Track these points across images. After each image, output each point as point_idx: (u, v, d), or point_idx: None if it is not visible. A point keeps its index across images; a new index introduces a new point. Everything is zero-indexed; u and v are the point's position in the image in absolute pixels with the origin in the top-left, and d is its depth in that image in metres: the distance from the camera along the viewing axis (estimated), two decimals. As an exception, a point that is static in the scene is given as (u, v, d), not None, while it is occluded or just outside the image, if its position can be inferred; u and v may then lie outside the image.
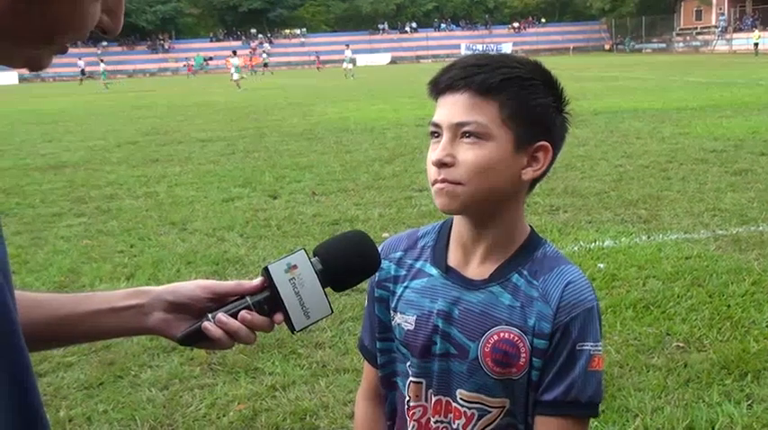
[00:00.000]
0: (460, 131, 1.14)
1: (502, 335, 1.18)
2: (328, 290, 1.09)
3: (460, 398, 1.22)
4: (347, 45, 46.24)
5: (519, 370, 1.18)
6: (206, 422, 3.27)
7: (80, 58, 50.33)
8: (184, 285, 1.08)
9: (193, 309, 1.07)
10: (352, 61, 41.99)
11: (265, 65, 53.84)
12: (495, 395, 1.20)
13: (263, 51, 59.76)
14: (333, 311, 1.10)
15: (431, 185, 1.18)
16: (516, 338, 1.17)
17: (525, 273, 1.20)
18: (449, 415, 1.23)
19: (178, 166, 10.37)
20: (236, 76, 32.92)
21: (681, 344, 3.78)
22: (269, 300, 1.05)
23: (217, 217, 7.10)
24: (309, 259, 1.06)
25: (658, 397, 3.27)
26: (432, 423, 1.25)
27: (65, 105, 25.57)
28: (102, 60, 48.46)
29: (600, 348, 1.18)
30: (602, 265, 5.01)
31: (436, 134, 1.18)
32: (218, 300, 1.07)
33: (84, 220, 7.22)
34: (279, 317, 1.05)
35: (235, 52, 40.73)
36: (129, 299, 1.06)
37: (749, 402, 3.20)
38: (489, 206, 1.18)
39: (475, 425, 1.22)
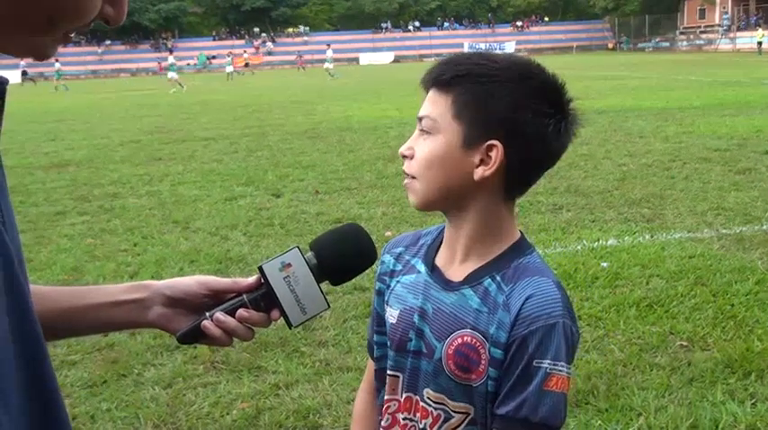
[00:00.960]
0: (420, 126, 1.18)
1: (465, 338, 1.15)
2: (327, 285, 1.10)
3: (427, 398, 1.21)
4: (328, 45, 46.27)
5: (478, 376, 1.14)
6: (209, 420, 3.27)
7: (21, 60, 45.92)
8: (183, 280, 1.10)
9: (191, 305, 1.08)
10: (333, 61, 41.94)
11: (246, 65, 53.44)
12: (456, 399, 1.17)
13: (249, 51, 59.18)
14: (329, 306, 1.11)
15: None
16: (478, 344, 1.14)
17: (498, 278, 1.16)
18: (416, 414, 1.22)
19: (181, 165, 10.38)
20: (170, 75, 33.27)
21: (684, 343, 3.78)
22: (265, 298, 1.06)
23: (220, 215, 7.10)
24: (303, 256, 1.07)
25: (662, 396, 3.27)
26: (401, 419, 1.25)
27: (68, 104, 25.61)
28: (56, 60, 41.29)
29: (562, 369, 1.09)
30: (605, 264, 5.01)
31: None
32: (215, 297, 1.09)
33: (88, 219, 7.24)
34: (275, 313, 1.07)
35: (171, 51, 41.00)
36: (131, 293, 1.07)
37: (753, 401, 3.20)
38: (449, 204, 1.17)
39: (440, 427, 1.19)
